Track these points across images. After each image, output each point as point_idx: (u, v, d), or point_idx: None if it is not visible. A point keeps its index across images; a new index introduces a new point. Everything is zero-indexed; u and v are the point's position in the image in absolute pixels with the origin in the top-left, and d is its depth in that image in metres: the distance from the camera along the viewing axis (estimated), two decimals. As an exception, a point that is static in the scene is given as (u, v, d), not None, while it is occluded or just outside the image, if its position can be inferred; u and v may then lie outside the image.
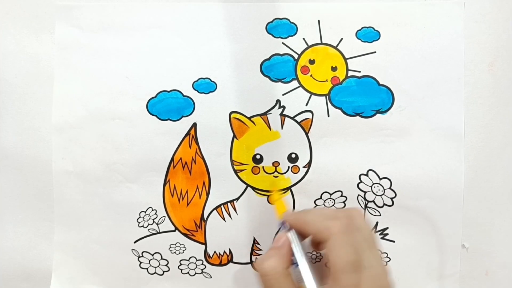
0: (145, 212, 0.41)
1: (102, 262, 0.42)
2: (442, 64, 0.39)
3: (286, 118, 0.40)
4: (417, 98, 0.39)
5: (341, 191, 0.40)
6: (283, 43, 0.39)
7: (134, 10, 0.40)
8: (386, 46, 0.39)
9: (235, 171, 0.40)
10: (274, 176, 0.40)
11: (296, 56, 0.39)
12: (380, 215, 0.40)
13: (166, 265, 0.41)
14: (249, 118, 0.40)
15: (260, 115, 0.40)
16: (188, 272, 0.41)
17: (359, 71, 0.39)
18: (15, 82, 0.41)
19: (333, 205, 0.40)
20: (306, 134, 0.40)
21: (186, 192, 0.40)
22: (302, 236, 0.34)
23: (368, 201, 0.40)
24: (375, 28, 0.39)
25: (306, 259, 0.32)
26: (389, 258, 0.41)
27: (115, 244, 0.41)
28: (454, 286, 0.41)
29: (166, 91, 0.40)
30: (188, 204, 0.40)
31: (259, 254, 0.41)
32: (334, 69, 0.40)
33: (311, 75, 0.40)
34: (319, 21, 0.39)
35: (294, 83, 0.40)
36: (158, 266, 0.41)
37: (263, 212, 0.40)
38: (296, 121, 0.40)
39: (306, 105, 0.39)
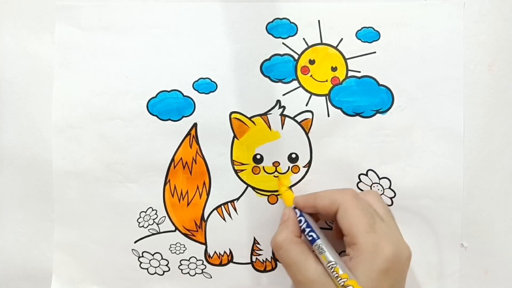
0: (145, 212, 0.41)
1: (102, 262, 0.42)
2: (442, 64, 0.39)
3: (286, 118, 0.40)
4: (417, 98, 0.39)
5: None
6: (283, 43, 0.39)
7: (134, 10, 0.40)
8: (386, 46, 0.39)
9: (236, 171, 0.40)
10: (274, 176, 0.40)
11: (296, 56, 0.39)
12: (380, 215, 0.40)
13: (166, 265, 0.41)
14: (250, 118, 0.40)
15: (260, 115, 0.40)
16: (188, 272, 0.41)
17: (359, 71, 0.39)
18: (15, 82, 0.40)
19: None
20: (306, 134, 0.40)
21: (187, 192, 0.40)
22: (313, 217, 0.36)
23: (368, 201, 0.40)
24: (375, 28, 0.39)
25: (316, 227, 0.34)
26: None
27: (115, 244, 0.41)
28: (454, 285, 0.41)
29: (166, 91, 0.40)
30: (188, 204, 0.41)
31: (259, 254, 0.41)
32: (334, 69, 0.40)
33: (311, 75, 0.40)
34: (319, 21, 0.39)
35: (294, 83, 0.40)
36: (158, 266, 0.41)
37: (263, 212, 0.40)
38: (296, 121, 0.40)
39: (306, 105, 0.40)
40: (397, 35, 0.39)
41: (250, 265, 0.41)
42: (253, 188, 0.40)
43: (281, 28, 0.39)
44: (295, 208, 0.37)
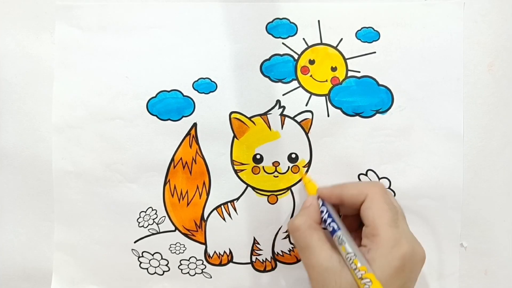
0: (145, 212, 0.41)
1: (102, 262, 0.42)
2: (442, 64, 0.39)
3: (286, 118, 0.40)
4: (416, 98, 0.39)
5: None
6: (283, 43, 0.39)
7: (134, 10, 0.40)
8: (386, 46, 0.39)
9: (235, 171, 0.40)
10: (274, 176, 0.40)
11: (296, 56, 0.39)
12: (380, 215, 0.40)
13: (166, 265, 0.41)
14: (249, 118, 0.40)
15: (260, 115, 0.40)
16: (188, 272, 0.41)
17: (359, 71, 0.39)
18: (15, 82, 0.41)
19: (333, 205, 0.40)
20: (306, 134, 0.40)
21: (186, 192, 0.40)
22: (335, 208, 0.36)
23: (368, 201, 0.40)
24: (375, 28, 0.39)
25: (338, 218, 0.35)
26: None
27: (115, 244, 0.41)
28: (454, 285, 0.41)
29: (166, 91, 0.40)
30: (188, 204, 0.41)
31: (259, 254, 0.41)
32: (334, 69, 0.40)
33: (311, 75, 0.40)
34: (319, 21, 0.39)
35: (294, 83, 0.40)
36: (158, 266, 0.41)
37: (263, 212, 0.40)
38: (296, 121, 0.40)
39: (306, 105, 0.40)
40: (397, 35, 0.39)
41: (250, 265, 0.41)
42: (253, 188, 0.40)
43: (281, 28, 0.39)
44: (318, 198, 0.37)
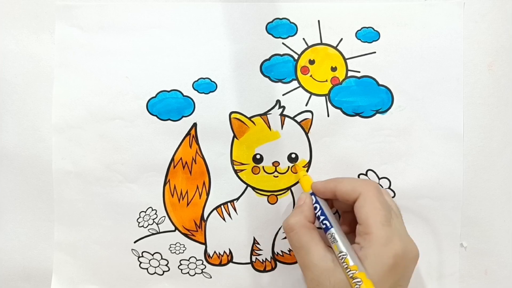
0: (145, 212, 0.41)
1: (102, 262, 0.42)
2: (442, 64, 0.39)
3: (286, 118, 0.40)
4: (416, 98, 0.39)
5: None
6: (283, 43, 0.39)
7: (134, 10, 0.40)
8: (386, 46, 0.39)
9: (235, 171, 0.40)
10: (274, 176, 0.40)
11: (296, 56, 0.39)
12: (379, 215, 0.40)
13: (166, 265, 0.41)
14: (249, 118, 0.40)
15: (260, 115, 0.40)
16: (188, 272, 0.41)
17: (359, 71, 0.39)
18: (15, 82, 0.41)
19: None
20: (306, 134, 0.40)
21: (186, 192, 0.40)
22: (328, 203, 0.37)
23: (368, 201, 0.40)
24: (375, 28, 0.39)
25: (332, 215, 0.35)
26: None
27: (115, 244, 0.41)
28: (454, 285, 0.41)
29: (166, 91, 0.40)
30: (188, 204, 0.41)
31: (259, 254, 0.41)
32: (334, 69, 0.40)
33: (311, 75, 0.40)
34: (319, 21, 0.39)
35: (294, 83, 0.40)
36: (158, 266, 0.41)
37: (263, 212, 0.40)
38: (296, 121, 0.40)
39: (306, 105, 0.40)
40: (397, 35, 0.39)
41: (250, 265, 0.41)
42: (253, 188, 0.40)
43: (281, 28, 0.39)
44: (312, 194, 0.37)
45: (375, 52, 0.39)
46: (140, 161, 0.40)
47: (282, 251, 0.41)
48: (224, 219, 0.41)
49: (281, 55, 0.39)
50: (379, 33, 0.39)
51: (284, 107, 0.40)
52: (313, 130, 0.40)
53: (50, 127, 0.41)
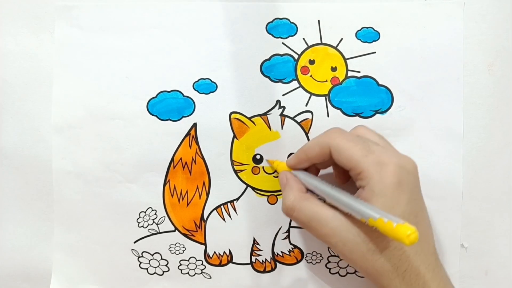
0: (145, 212, 0.41)
1: (102, 262, 0.42)
2: (442, 64, 0.39)
3: (286, 118, 0.40)
4: (416, 98, 0.39)
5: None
6: (283, 43, 0.39)
7: (134, 10, 0.40)
8: (386, 46, 0.39)
9: (235, 171, 0.40)
10: (274, 177, 0.40)
11: (296, 56, 0.39)
12: (379, 215, 0.40)
13: (166, 265, 0.41)
14: (249, 118, 0.40)
15: (260, 115, 0.40)
16: (188, 273, 0.41)
17: (359, 71, 0.39)
18: (15, 82, 0.41)
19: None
20: (306, 134, 0.40)
21: (186, 192, 0.40)
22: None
23: (368, 201, 0.40)
24: (375, 28, 0.39)
25: (319, 184, 0.34)
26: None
27: (115, 244, 0.41)
28: (454, 285, 0.41)
29: (166, 91, 0.40)
30: (188, 204, 0.40)
31: (259, 255, 0.41)
32: (334, 69, 0.40)
33: (311, 76, 0.40)
34: (319, 21, 0.39)
35: (294, 84, 0.40)
36: (158, 266, 0.41)
37: (263, 212, 0.40)
38: (296, 121, 0.40)
39: (306, 105, 0.40)
40: (397, 35, 0.39)
41: (250, 265, 0.41)
42: (253, 188, 0.40)
43: (281, 28, 0.39)
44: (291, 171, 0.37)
45: (375, 52, 0.39)
46: (140, 161, 0.40)
47: (282, 252, 0.41)
48: (224, 220, 0.41)
49: (281, 55, 0.39)
50: (379, 33, 0.39)
51: (284, 107, 0.40)
52: (313, 130, 0.40)
53: (49, 127, 0.41)
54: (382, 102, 0.39)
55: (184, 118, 0.40)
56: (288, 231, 0.41)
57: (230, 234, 0.41)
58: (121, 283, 0.42)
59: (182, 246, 0.41)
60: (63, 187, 0.41)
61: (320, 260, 0.41)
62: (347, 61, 0.39)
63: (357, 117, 0.39)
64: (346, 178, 0.37)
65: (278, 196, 0.40)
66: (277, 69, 0.40)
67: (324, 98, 0.40)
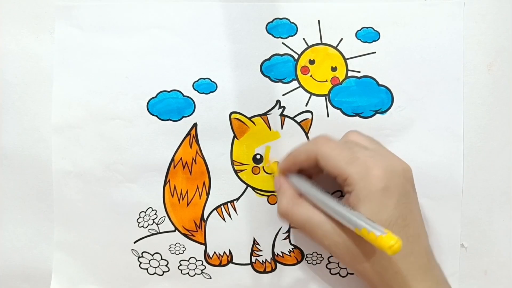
0: (145, 212, 0.41)
1: (102, 262, 0.42)
2: (442, 64, 0.39)
3: (286, 118, 0.40)
4: (416, 98, 0.39)
5: (341, 191, 0.40)
6: (283, 43, 0.40)
7: (134, 10, 0.40)
8: (386, 47, 0.39)
9: (235, 171, 0.40)
10: (274, 176, 0.40)
11: (296, 56, 0.40)
12: (379, 215, 0.40)
13: (166, 265, 0.41)
14: (249, 118, 0.40)
15: (260, 115, 0.40)
16: (188, 273, 0.41)
17: (359, 71, 0.39)
18: (15, 82, 0.41)
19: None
20: (306, 134, 0.40)
21: (186, 192, 0.40)
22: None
23: (368, 201, 0.40)
24: (375, 29, 0.39)
25: (311, 189, 0.34)
26: (388, 258, 0.41)
27: (115, 244, 0.41)
28: (453, 285, 0.41)
29: (166, 91, 0.40)
30: (188, 204, 0.40)
31: (259, 255, 0.41)
32: (334, 69, 0.40)
33: (311, 75, 0.40)
34: (319, 21, 0.39)
35: (294, 84, 0.40)
36: (158, 266, 0.41)
37: (263, 212, 0.40)
38: (296, 121, 0.40)
39: (306, 105, 0.40)
40: (397, 35, 0.39)
41: (250, 266, 0.41)
42: (253, 188, 0.40)
43: (281, 28, 0.39)
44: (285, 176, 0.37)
45: (375, 52, 0.39)
46: (140, 161, 0.40)
47: (282, 252, 0.41)
48: (224, 220, 0.41)
49: (281, 55, 0.40)
50: (379, 33, 0.39)
51: (284, 107, 0.40)
52: (313, 130, 0.40)
53: (49, 127, 0.41)
54: (382, 102, 0.39)
55: (184, 118, 0.40)
56: (288, 231, 0.41)
57: (230, 234, 0.41)
58: (121, 283, 0.42)
59: (182, 246, 0.41)
60: (63, 187, 0.41)
61: (321, 260, 0.41)
62: (347, 61, 0.39)
63: (357, 117, 0.39)
64: (339, 183, 0.37)
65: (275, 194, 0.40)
66: (277, 69, 0.40)
67: (324, 98, 0.40)
